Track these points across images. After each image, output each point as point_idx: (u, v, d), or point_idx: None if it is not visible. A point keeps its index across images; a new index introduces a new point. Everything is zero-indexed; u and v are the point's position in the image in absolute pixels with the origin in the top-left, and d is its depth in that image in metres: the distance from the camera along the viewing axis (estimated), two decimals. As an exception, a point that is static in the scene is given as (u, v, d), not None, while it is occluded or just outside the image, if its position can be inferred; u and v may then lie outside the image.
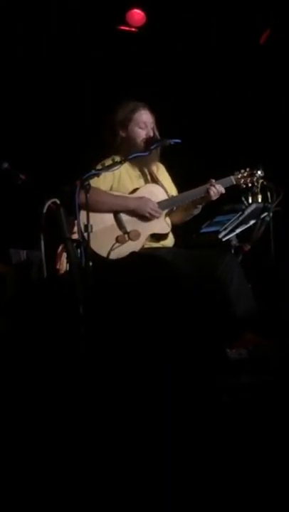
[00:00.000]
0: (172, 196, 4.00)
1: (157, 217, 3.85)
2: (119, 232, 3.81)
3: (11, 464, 2.54)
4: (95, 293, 3.42)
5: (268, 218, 4.13)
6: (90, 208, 3.41)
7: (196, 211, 4.02)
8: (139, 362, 3.46)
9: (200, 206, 3.98)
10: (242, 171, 3.96)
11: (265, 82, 5.37)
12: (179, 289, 3.67)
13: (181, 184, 4.13)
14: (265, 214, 4.14)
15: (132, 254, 3.81)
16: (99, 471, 2.47)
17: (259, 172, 3.96)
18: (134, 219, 3.85)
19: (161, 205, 3.90)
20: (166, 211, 3.94)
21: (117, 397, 3.07)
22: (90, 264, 3.47)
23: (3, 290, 3.94)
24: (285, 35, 5.22)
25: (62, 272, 3.89)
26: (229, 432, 2.73)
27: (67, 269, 3.64)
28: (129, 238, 3.82)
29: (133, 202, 3.85)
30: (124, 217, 3.84)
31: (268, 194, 4.04)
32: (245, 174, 3.96)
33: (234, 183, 3.96)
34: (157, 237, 3.91)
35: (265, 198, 4.07)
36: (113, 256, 3.70)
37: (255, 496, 2.27)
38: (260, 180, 3.98)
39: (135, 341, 3.57)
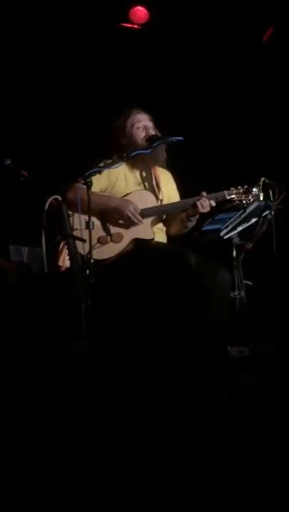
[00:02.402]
0: (159, 204, 3.98)
1: (136, 222, 3.83)
2: (102, 233, 3.81)
3: (11, 462, 2.54)
4: (95, 290, 3.43)
5: (269, 216, 4.12)
6: (75, 207, 3.50)
7: (191, 224, 4.02)
8: (139, 359, 3.47)
9: (194, 219, 3.97)
10: (238, 187, 3.94)
11: (268, 81, 5.36)
12: (179, 286, 3.67)
13: (180, 192, 4.14)
14: (267, 212, 4.13)
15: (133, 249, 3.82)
16: (99, 470, 2.47)
17: (255, 190, 3.94)
18: (119, 222, 3.84)
19: (146, 211, 3.89)
20: (151, 218, 3.92)
21: (117, 395, 3.08)
22: (92, 261, 3.47)
23: (4, 286, 3.94)
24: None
25: (63, 269, 3.89)
26: (229, 432, 2.73)
27: (69, 266, 3.65)
28: (112, 240, 3.82)
29: (115, 201, 3.85)
30: (109, 219, 3.84)
31: (270, 192, 4.03)
32: (241, 191, 3.94)
33: (227, 198, 3.95)
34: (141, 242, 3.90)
35: (266, 196, 4.05)
36: (93, 256, 3.67)
37: (255, 495, 2.27)
38: (254, 198, 3.96)
39: (135, 338, 3.58)
